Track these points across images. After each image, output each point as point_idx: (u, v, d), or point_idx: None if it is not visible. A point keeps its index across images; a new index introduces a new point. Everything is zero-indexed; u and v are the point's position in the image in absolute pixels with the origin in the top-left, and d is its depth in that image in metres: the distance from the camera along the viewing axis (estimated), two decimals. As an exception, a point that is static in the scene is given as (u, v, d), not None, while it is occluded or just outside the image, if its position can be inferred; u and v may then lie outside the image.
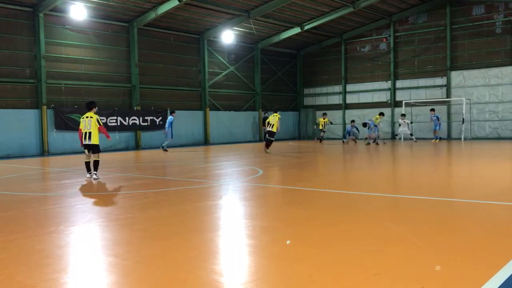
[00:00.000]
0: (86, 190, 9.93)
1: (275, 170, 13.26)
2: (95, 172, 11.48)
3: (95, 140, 11.50)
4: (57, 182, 11.64)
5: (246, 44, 31.24)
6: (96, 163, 11.53)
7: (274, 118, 19.96)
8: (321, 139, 27.74)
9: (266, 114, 31.60)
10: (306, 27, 29.37)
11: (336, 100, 33.92)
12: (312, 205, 7.62)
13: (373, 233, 5.52)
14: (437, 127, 26.37)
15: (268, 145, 19.97)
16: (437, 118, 26.40)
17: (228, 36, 28.05)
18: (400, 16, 30.37)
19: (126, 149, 24.49)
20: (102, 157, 18.32)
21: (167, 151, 22.11)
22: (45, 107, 21.45)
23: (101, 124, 11.56)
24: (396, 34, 30.92)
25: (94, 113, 11.63)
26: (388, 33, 31.17)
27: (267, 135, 20.43)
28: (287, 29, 29.99)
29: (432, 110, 26.69)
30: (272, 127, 19.76)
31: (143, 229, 6.05)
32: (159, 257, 4.69)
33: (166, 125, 22.59)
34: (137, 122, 24.99)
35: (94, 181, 11.12)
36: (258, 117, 32.23)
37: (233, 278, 4.13)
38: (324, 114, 28.85)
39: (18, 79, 21.04)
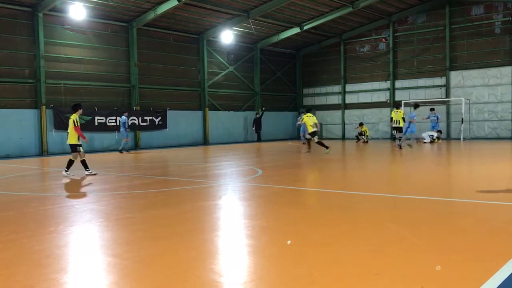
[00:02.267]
0: (86, 190, 9.92)
1: (274, 170, 13.26)
2: (65, 169, 12.29)
3: (70, 140, 12.32)
4: (57, 182, 11.63)
5: (245, 44, 31.24)
6: (70, 162, 12.35)
7: (397, 114, 20.59)
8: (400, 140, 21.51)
9: (257, 115, 31.14)
10: (306, 27, 29.38)
11: (336, 100, 33.93)
12: (312, 205, 7.62)
13: (373, 233, 5.52)
14: (436, 127, 26.20)
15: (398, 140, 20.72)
16: (437, 118, 26.26)
17: (227, 36, 28.04)
18: (400, 16, 30.39)
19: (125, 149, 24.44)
20: (102, 156, 18.29)
21: (122, 153, 21.41)
22: (44, 107, 21.43)
23: (77, 125, 12.14)
24: (396, 34, 30.93)
25: (79, 115, 12.38)
26: (388, 33, 31.18)
27: (394, 131, 20.95)
28: (286, 29, 29.99)
29: (432, 109, 26.57)
30: (398, 123, 20.46)
31: (143, 229, 6.05)
32: (159, 257, 4.69)
33: (121, 127, 21.75)
34: (136, 122, 24.98)
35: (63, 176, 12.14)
36: (258, 117, 32.22)
37: (233, 278, 4.13)
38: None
39: (17, 79, 21.02)
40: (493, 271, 3.96)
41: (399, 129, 20.95)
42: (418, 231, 5.53)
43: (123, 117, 21.67)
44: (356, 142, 27.60)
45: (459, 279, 3.86)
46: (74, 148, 12.28)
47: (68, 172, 12.24)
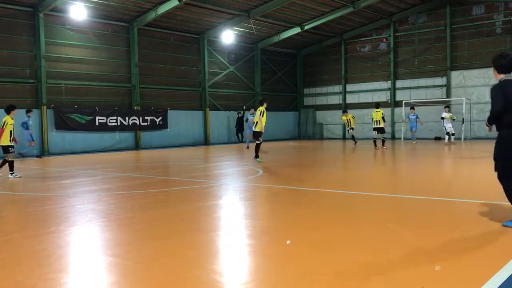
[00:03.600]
0: (86, 190, 9.93)
1: (274, 170, 13.26)
2: (10, 172, 12.18)
3: (2, 141, 12.27)
4: (57, 182, 11.64)
5: (246, 44, 31.24)
6: (3, 162, 12.35)
7: (377, 114, 20.51)
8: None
9: (239, 115, 30.27)
10: (306, 27, 29.38)
11: (336, 100, 33.93)
12: (312, 205, 7.62)
13: (374, 233, 5.52)
14: (414, 128, 25.26)
15: (377, 142, 20.52)
16: (416, 117, 25.23)
17: (228, 36, 28.05)
18: (400, 16, 30.38)
19: (126, 149, 24.48)
20: (102, 156, 18.33)
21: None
22: (45, 107, 21.45)
23: (3, 127, 12.25)
24: (396, 34, 30.93)
25: (11, 117, 12.40)
26: (388, 33, 31.18)
27: (375, 132, 20.70)
28: (287, 29, 30.00)
29: (412, 108, 25.80)
30: (379, 123, 20.44)
31: (144, 229, 6.05)
32: (160, 257, 4.69)
33: (24, 129, 19.04)
34: (137, 122, 25.00)
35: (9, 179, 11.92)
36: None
37: (233, 278, 4.13)
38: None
39: (18, 79, 21.04)
40: (493, 271, 3.96)
41: (380, 130, 20.58)
42: (418, 231, 5.53)
43: (26, 118, 18.98)
44: (355, 144, 24.84)
45: (459, 279, 3.86)
46: (6, 149, 12.24)
47: (14, 174, 12.12)
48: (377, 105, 21.43)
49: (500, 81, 5.59)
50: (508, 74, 5.56)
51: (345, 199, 8.39)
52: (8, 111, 12.39)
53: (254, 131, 15.45)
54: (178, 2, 22.29)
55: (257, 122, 15.22)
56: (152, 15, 23.74)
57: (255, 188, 9.82)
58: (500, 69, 5.60)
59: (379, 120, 20.46)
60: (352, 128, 25.12)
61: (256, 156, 15.12)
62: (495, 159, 5.68)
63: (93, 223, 6.54)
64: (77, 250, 5.17)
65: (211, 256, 4.82)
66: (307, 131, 35.18)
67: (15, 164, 12.58)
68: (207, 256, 4.79)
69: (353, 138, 25.27)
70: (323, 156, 18.84)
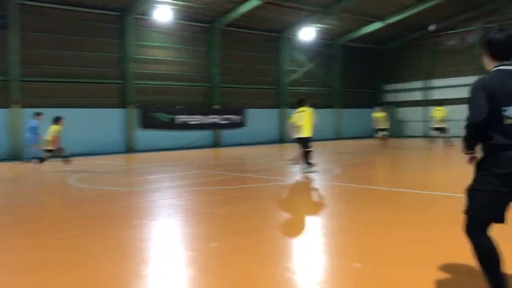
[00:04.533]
0: (167, 186, 10.33)
1: (353, 169, 13.02)
2: None
3: None
4: (142, 178, 12.21)
5: (325, 40, 30.86)
6: None
7: (438, 113, 20.68)
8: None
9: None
10: (389, 21, 28.40)
11: (418, 96, 32.63)
12: (389, 205, 7.40)
13: (453, 233, 5.25)
14: None
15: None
16: None
17: (306, 33, 27.91)
18: (490, 7, 28.53)
19: (206, 146, 25.12)
20: (182, 153, 18.95)
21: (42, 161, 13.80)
22: (131, 106, 22.54)
23: None
24: (486, 26, 29.12)
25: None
26: (477, 25, 29.44)
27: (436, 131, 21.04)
28: (367, 24, 29.21)
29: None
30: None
31: (220, 225, 6.19)
32: (235, 253, 4.78)
33: (29, 132, 16.45)
34: (216, 120, 25.64)
35: None
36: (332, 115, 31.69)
37: (308, 276, 4.11)
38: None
39: (107, 80, 22.24)
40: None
41: (441, 129, 20.28)
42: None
43: (34, 121, 16.42)
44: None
45: None
46: None
47: None
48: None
49: (489, 71, 3.19)
50: (507, 62, 3.14)
51: (423, 199, 8.06)
52: None
53: (301, 138, 12.13)
54: (258, 2, 22.44)
55: (301, 125, 12.07)
56: (232, 15, 24.12)
57: (330, 187, 9.71)
58: (492, 51, 3.19)
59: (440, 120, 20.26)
60: (385, 129, 21.98)
61: (307, 165, 12.05)
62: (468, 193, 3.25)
63: (172, 218, 6.79)
64: (158, 244, 5.40)
65: (286, 253, 4.83)
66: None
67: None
68: (282, 253, 4.81)
69: (383, 138, 22.12)
70: (400, 155, 18.19)
